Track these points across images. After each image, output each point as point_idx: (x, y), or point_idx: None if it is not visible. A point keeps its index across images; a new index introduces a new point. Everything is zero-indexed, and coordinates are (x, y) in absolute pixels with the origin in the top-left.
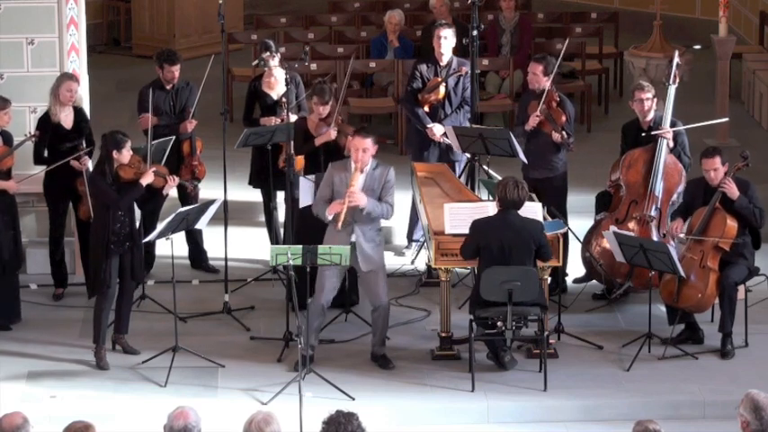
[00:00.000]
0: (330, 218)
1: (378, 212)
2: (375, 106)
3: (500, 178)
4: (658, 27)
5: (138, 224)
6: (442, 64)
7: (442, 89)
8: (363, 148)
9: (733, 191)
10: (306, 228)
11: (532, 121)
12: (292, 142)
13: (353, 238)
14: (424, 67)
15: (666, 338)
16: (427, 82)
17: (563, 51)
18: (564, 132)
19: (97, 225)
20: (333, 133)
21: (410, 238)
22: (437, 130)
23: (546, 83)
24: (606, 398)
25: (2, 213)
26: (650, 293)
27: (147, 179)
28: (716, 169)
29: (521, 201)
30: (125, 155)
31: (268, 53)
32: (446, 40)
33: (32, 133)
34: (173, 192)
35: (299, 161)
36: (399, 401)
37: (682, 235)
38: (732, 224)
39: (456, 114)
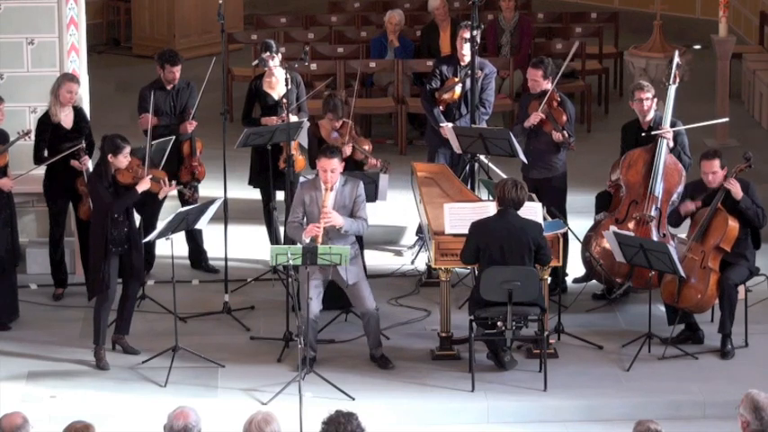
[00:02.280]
0: (307, 240)
1: (354, 229)
2: (375, 106)
3: (502, 175)
4: (658, 27)
5: (137, 225)
6: (462, 64)
7: (458, 89)
8: (332, 169)
9: (738, 191)
10: None
11: (534, 119)
12: (293, 143)
13: None
14: (444, 67)
15: (666, 338)
16: (446, 81)
17: (570, 55)
18: (564, 132)
19: (96, 226)
20: (348, 150)
21: (419, 233)
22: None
23: (547, 85)
24: (606, 398)
25: None
26: (650, 293)
27: (143, 186)
28: (714, 172)
29: (520, 201)
30: (122, 160)
31: (268, 53)
32: (469, 42)
33: (25, 131)
34: (173, 192)
35: (300, 162)
36: (399, 401)
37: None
38: (733, 225)
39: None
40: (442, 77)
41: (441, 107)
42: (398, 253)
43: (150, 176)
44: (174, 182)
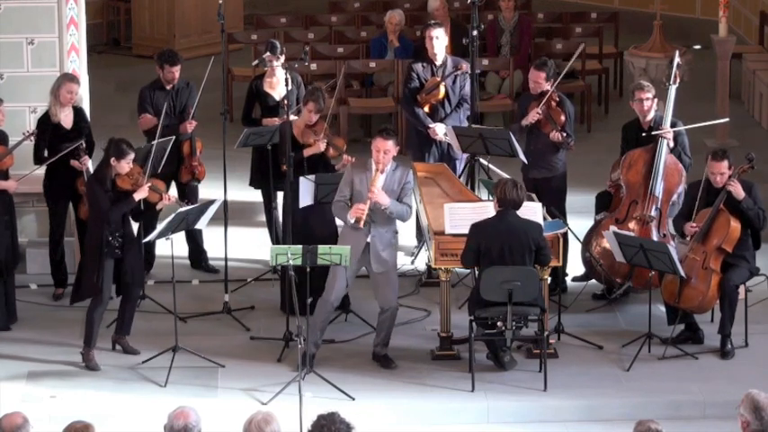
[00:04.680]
0: (352, 221)
1: (398, 212)
2: (375, 106)
3: (502, 174)
4: (658, 27)
5: (134, 227)
6: (437, 64)
7: (442, 89)
8: (385, 150)
9: (739, 191)
10: (307, 229)
11: (532, 117)
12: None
13: (369, 239)
14: (419, 68)
15: (666, 338)
16: (424, 82)
17: (574, 57)
18: (563, 132)
19: (93, 228)
20: (322, 146)
21: (420, 238)
22: (439, 129)
23: (547, 86)
24: (606, 398)
25: (0, 214)
26: (650, 293)
27: (140, 194)
28: (723, 173)
29: (519, 201)
30: (124, 166)
31: (269, 53)
32: (438, 40)
33: (30, 132)
34: (172, 191)
35: None
36: (399, 401)
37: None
38: (735, 225)
39: (456, 113)
40: (419, 79)
41: (426, 108)
42: (409, 253)
43: (149, 185)
44: (173, 196)
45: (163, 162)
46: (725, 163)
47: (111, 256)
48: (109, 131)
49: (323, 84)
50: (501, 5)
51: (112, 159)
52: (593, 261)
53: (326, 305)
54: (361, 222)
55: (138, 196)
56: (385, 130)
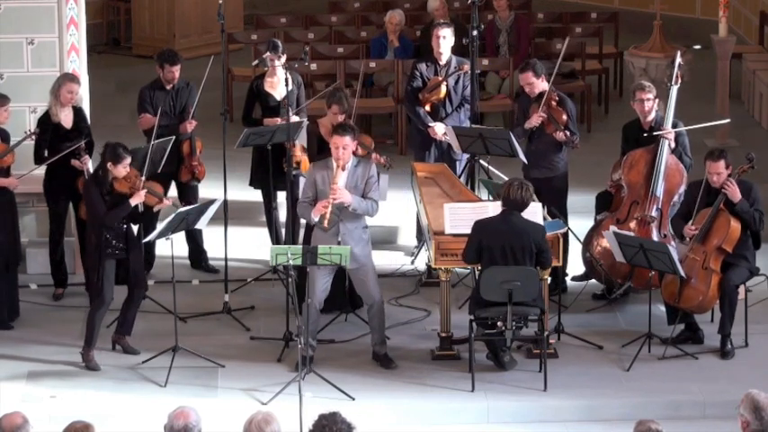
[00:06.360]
0: (316, 219)
1: (363, 209)
2: (375, 106)
3: (501, 176)
4: (658, 27)
5: (135, 228)
6: (441, 63)
7: (443, 88)
8: (343, 146)
9: (735, 194)
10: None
11: (535, 120)
12: (298, 144)
13: (339, 238)
14: (423, 67)
15: (666, 338)
16: (427, 81)
17: (563, 50)
18: (567, 132)
19: (91, 229)
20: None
21: (420, 238)
22: (438, 129)
23: (542, 84)
24: (606, 398)
25: (1, 211)
26: (650, 293)
27: (136, 199)
28: (719, 173)
29: (523, 202)
30: (120, 170)
31: (273, 53)
32: (444, 40)
33: (32, 131)
34: (172, 190)
35: (306, 163)
36: (399, 401)
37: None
38: (735, 226)
39: (457, 113)
40: (422, 78)
41: (427, 107)
42: (409, 253)
43: (146, 189)
44: (169, 198)
45: (163, 162)
46: (721, 163)
47: (111, 257)
48: (109, 131)
49: (332, 86)
50: (495, 5)
51: (109, 164)
52: (593, 261)
53: (310, 308)
54: (326, 221)
55: (134, 201)
56: (341, 126)
